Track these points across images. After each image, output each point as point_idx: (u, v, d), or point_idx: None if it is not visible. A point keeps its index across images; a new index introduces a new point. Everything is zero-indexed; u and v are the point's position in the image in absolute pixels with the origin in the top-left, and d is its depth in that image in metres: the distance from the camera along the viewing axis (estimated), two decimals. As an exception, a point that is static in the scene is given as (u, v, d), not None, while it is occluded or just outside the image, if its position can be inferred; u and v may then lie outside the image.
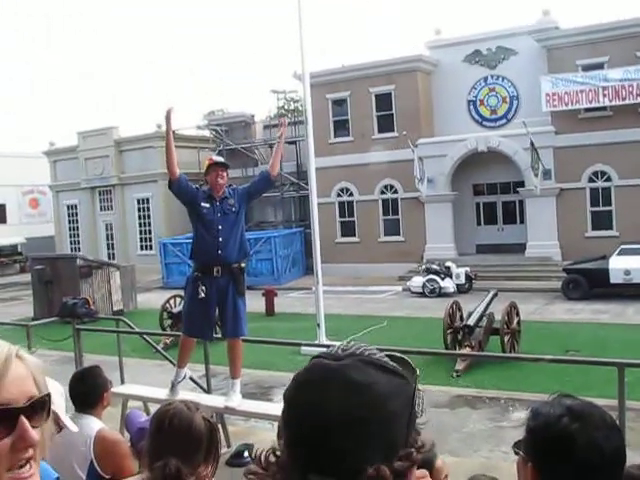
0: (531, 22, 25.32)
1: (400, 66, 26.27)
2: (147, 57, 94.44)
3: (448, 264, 22.21)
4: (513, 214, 26.08)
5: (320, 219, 14.07)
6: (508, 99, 26.09)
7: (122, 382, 7.65)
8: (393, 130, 26.53)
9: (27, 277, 24.12)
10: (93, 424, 3.31)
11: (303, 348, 10.15)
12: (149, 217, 33.37)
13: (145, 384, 7.38)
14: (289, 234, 28.51)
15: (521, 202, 25.28)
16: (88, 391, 3.44)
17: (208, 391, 7.32)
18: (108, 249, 34.86)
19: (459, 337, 12.82)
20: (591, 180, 23.49)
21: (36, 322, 11.59)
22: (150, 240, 33.19)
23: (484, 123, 26.43)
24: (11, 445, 0.91)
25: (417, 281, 22.06)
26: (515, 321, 12.99)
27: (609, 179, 23.20)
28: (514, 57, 25.65)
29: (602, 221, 23.28)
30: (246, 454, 5.97)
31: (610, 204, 23.27)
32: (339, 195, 28.03)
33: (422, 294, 21.56)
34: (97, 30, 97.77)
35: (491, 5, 73.35)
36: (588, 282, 19.37)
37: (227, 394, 5.95)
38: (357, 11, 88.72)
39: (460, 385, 11.05)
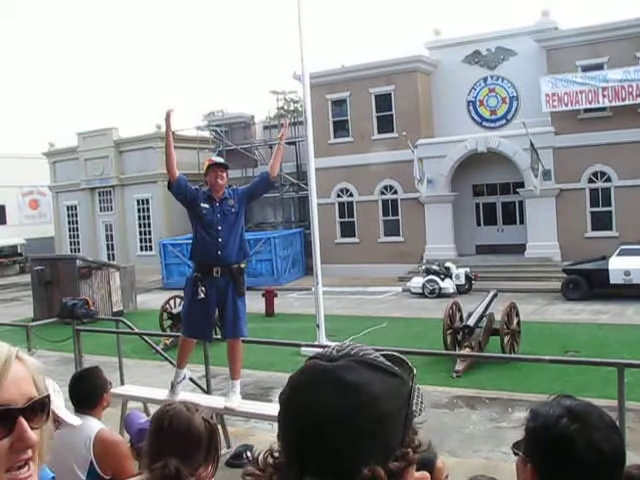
0: (531, 23, 25.30)
1: (400, 67, 26.25)
2: (147, 57, 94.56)
3: (448, 265, 22.17)
4: (513, 215, 26.05)
5: (320, 220, 14.07)
6: (508, 100, 26.06)
7: (122, 383, 7.65)
8: (393, 131, 26.49)
9: (27, 278, 24.10)
10: (93, 425, 3.30)
11: (303, 349, 10.15)
12: (149, 218, 33.32)
13: (145, 385, 7.40)
14: (289, 235, 28.47)
15: (521, 203, 25.25)
16: (88, 392, 3.44)
17: (208, 392, 7.32)
18: (108, 250, 34.81)
19: (459, 338, 12.80)
20: (591, 181, 23.46)
21: (36, 323, 11.58)
22: (150, 241, 33.14)
23: (484, 124, 26.40)
24: (10, 446, 0.91)
25: (417, 282, 22.03)
26: (515, 321, 12.96)
27: (609, 180, 23.18)
28: (514, 58, 25.62)
29: (602, 222, 23.25)
30: (248, 453, 5.97)
31: (610, 205, 23.24)
32: (339, 196, 28.00)
33: (422, 295, 21.53)
34: (97, 30, 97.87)
35: (491, 6, 73.36)
36: (588, 283, 19.34)
37: (227, 395, 5.95)
38: (357, 11, 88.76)
39: (460, 386, 11.04)
